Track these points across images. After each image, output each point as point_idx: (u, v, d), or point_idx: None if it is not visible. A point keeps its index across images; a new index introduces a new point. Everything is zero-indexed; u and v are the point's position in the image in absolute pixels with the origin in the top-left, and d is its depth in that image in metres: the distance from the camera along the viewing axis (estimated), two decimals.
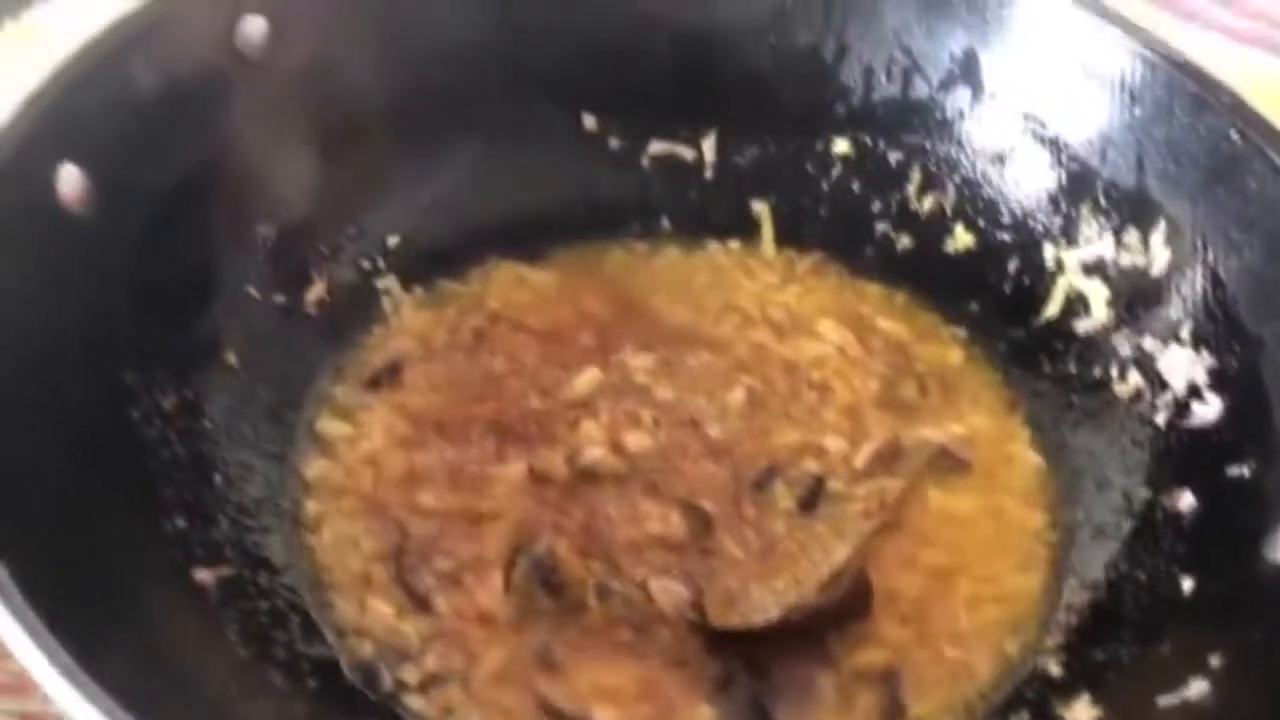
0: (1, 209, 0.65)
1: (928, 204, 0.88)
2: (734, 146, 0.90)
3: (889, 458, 0.78)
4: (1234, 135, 0.74)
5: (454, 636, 0.69)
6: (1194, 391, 0.75)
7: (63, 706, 0.50)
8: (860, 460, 0.77)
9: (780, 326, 0.86)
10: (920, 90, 0.86)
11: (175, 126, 0.74)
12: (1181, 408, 0.75)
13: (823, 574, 0.72)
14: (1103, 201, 0.82)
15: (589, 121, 0.89)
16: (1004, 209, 0.86)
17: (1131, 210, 0.80)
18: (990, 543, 0.76)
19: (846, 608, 0.71)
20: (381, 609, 0.69)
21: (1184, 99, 0.77)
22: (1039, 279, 0.84)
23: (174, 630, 0.62)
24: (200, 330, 0.75)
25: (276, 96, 0.78)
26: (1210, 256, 0.76)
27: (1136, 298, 0.80)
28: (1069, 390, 0.81)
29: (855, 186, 0.89)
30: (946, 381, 0.84)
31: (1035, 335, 0.83)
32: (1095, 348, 0.81)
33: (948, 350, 0.85)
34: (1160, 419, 0.76)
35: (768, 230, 0.90)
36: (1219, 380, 0.74)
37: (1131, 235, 0.80)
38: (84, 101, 0.69)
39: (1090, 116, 0.81)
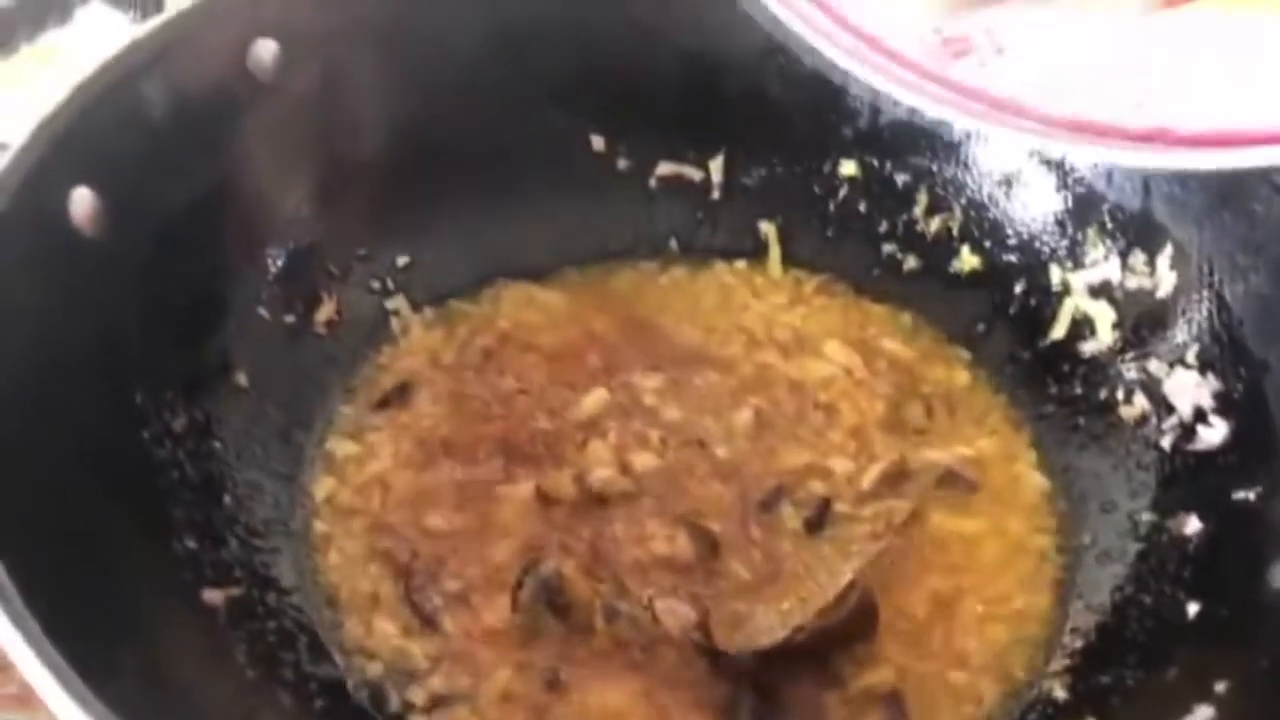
0: (15, 231, 0.65)
1: (934, 225, 0.88)
2: (742, 168, 0.91)
3: (895, 479, 0.78)
4: None
5: (461, 657, 0.69)
6: (1200, 415, 0.75)
7: None
8: (866, 482, 0.78)
9: (787, 347, 0.86)
10: None
11: (187, 149, 0.74)
12: (1187, 431, 0.76)
13: (828, 596, 0.72)
14: (1109, 224, 0.82)
15: (597, 143, 0.90)
16: (1010, 231, 0.86)
17: (1138, 233, 0.81)
18: (996, 565, 0.76)
19: (852, 629, 0.71)
20: (389, 629, 0.70)
21: None
22: (1045, 301, 0.84)
23: (182, 650, 0.62)
24: (210, 351, 0.75)
25: (287, 119, 0.79)
26: (1216, 280, 0.76)
27: (1143, 320, 0.80)
28: (1075, 413, 0.81)
29: (862, 208, 0.90)
30: (952, 403, 0.84)
31: (1041, 357, 0.84)
32: (1101, 370, 0.81)
33: (954, 372, 0.85)
34: (1166, 442, 0.77)
35: (775, 251, 0.91)
36: (1225, 404, 0.75)
37: (1138, 258, 0.81)
38: (97, 124, 0.70)
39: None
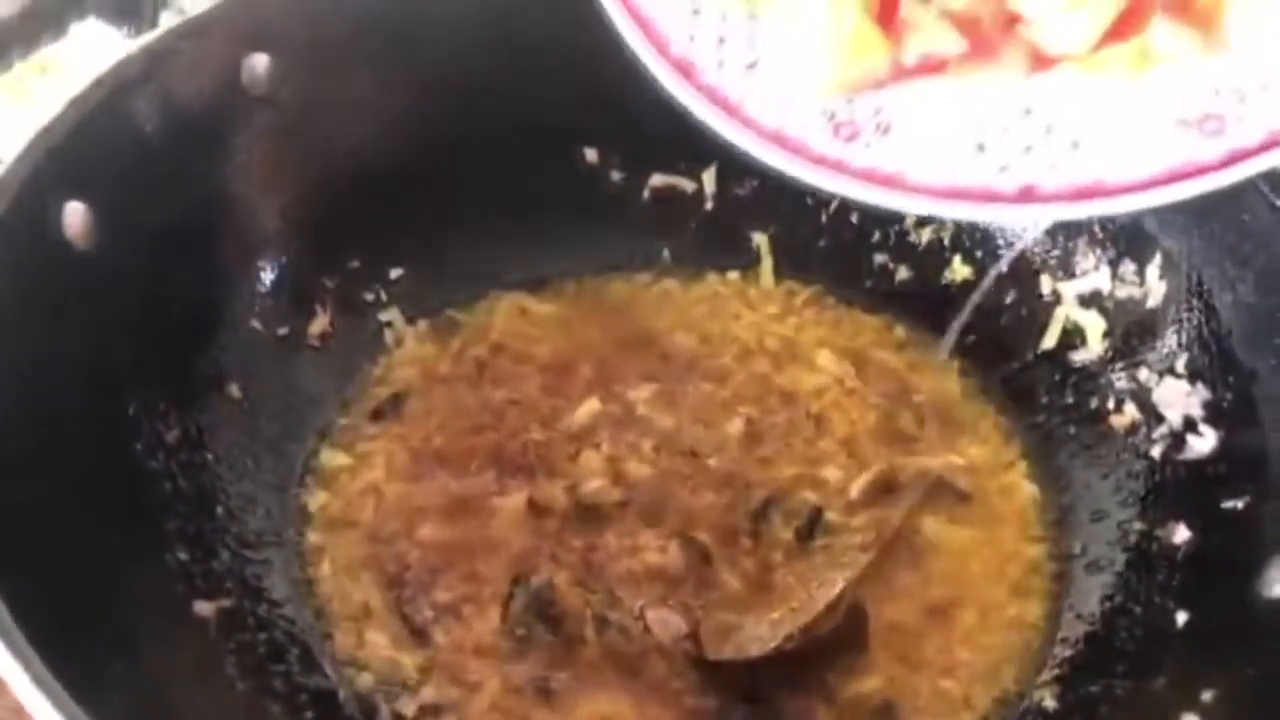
0: (8, 244, 0.66)
1: (926, 236, 0.88)
2: (734, 179, 0.91)
3: (884, 489, 0.78)
4: None
5: (452, 668, 0.69)
6: (1189, 424, 0.76)
7: None
8: (855, 491, 0.78)
9: (779, 357, 0.87)
10: None
11: (180, 162, 0.75)
12: (1177, 440, 0.76)
13: (819, 606, 0.72)
14: (1099, 234, 0.82)
15: (590, 155, 0.90)
16: (1001, 241, 0.86)
17: (1127, 243, 0.81)
18: (987, 574, 0.76)
19: (842, 639, 0.72)
20: (380, 640, 0.70)
21: None
22: (1036, 311, 0.85)
23: (172, 663, 0.62)
24: (203, 363, 0.76)
25: (280, 132, 0.80)
26: (1205, 290, 0.77)
27: (1132, 330, 0.80)
28: (1066, 422, 0.81)
29: (854, 218, 0.90)
30: (944, 412, 0.84)
31: (1033, 367, 0.84)
32: (1092, 380, 0.81)
33: (945, 381, 0.86)
34: (1156, 452, 0.77)
35: (767, 261, 0.91)
36: (1214, 413, 0.75)
37: (1127, 268, 0.81)
38: (91, 139, 0.70)
39: None
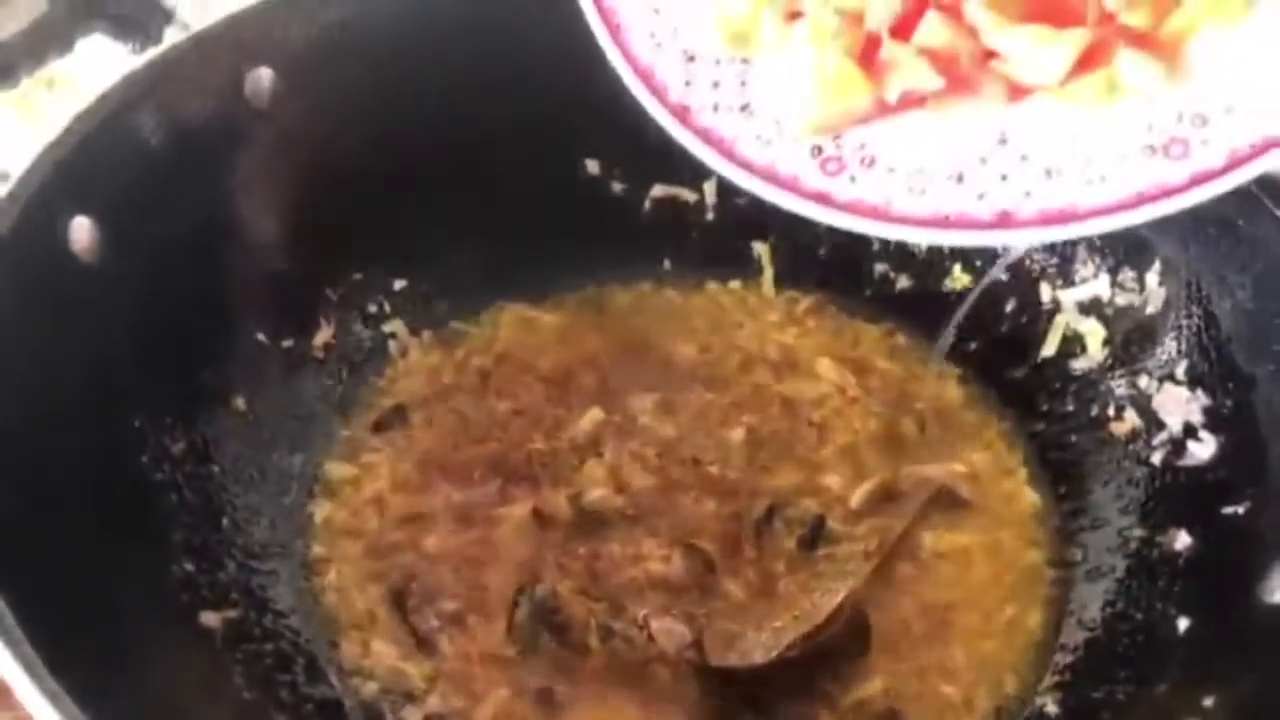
0: (16, 258, 0.66)
1: (926, 244, 0.89)
2: (734, 189, 0.91)
3: (886, 497, 0.79)
4: None
5: (457, 677, 0.70)
6: (1189, 431, 0.76)
7: None
8: (855, 500, 0.78)
9: (780, 366, 0.87)
10: None
11: (185, 176, 0.75)
12: (1177, 447, 0.76)
13: (822, 613, 0.72)
14: (1098, 241, 0.83)
15: (592, 166, 0.91)
16: (1001, 250, 0.86)
17: (1126, 250, 0.81)
18: (989, 581, 0.76)
19: (845, 646, 0.72)
20: (385, 650, 0.70)
21: None
22: (1036, 318, 0.85)
23: (179, 673, 0.63)
24: (209, 376, 0.76)
25: (284, 146, 0.80)
26: (1204, 296, 0.77)
27: (1132, 337, 0.81)
28: (1067, 429, 0.82)
29: None
30: (945, 419, 0.85)
31: (1033, 374, 0.84)
32: (1092, 387, 0.82)
33: (946, 389, 0.86)
34: (1156, 458, 0.77)
35: (768, 271, 0.91)
36: (1214, 419, 0.75)
37: (1127, 275, 0.81)
38: (96, 154, 0.71)
39: None
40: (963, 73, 0.63)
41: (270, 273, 0.81)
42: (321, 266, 0.84)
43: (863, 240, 0.89)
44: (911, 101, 0.64)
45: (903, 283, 0.90)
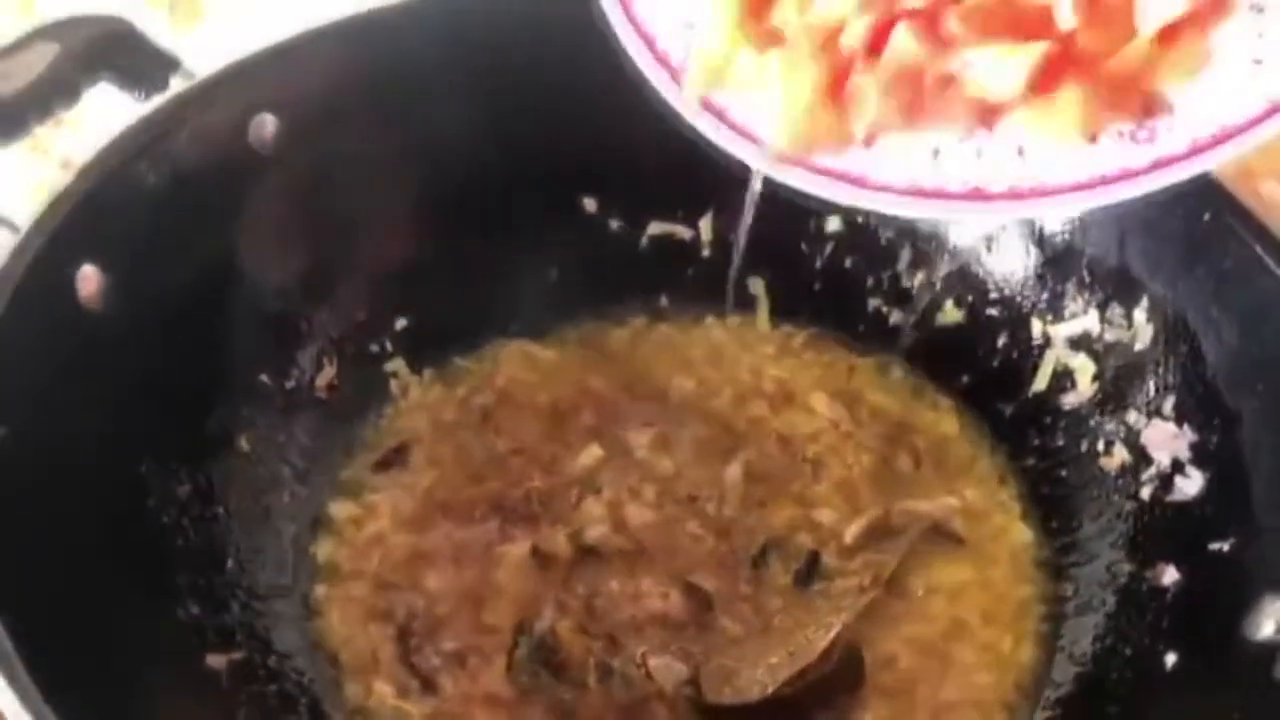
0: (25, 307, 0.68)
1: (918, 281, 0.90)
2: (730, 226, 0.92)
3: (880, 533, 0.80)
4: (1206, 217, 0.75)
5: (457, 717, 0.71)
6: (1177, 466, 0.77)
7: None
8: (850, 536, 0.79)
9: (775, 400, 0.88)
10: None
11: (191, 223, 0.77)
12: (1165, 482, 0.77)
13: (817, 649, 0.73)
14: (1087, 278, 0.84)
15: (589, 204, 0.92)
16: (992, 285, 0.88)
17: (1115, 287, 0.82)
18: (980, 616, 0.77)
19: (839, 681, 0.73)
20: (387, 690, 0.72)
21: None
22: (1027, 354, 0.86)
23: (183, 716, 0.64)
24: (213, 419, 0.78)
25: (288, 191, 0.81)
26: (1191, 333, 0.78)
27: (1121, 373, 0.82)
28: (1057, 464, 0.83)
29: (848, 264, 0.92)
30: (938, 453, 0.86)
31: (1024, 409, 0.86)
32: (1082, 422, 0.83)
33: (940, 422, 0.87)
34: (1145, 493, 0.78)
35: (763, 306, 0.93)
36: (1201, 455, 0.76)
37: (1115, 311, 0.82)
38: (103, 203, 0.72)
39: None
40: (927, 97, 0.64)
41: (274, 315, 0.82)
42: (324, 308, 0.85)
43: (856, 276, 0.92)
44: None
45: (895, 318, 0.91)
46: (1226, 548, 0.72)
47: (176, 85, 0.80)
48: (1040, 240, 0.85)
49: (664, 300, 0.93)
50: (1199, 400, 0.77)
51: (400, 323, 0.88)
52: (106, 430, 0.70)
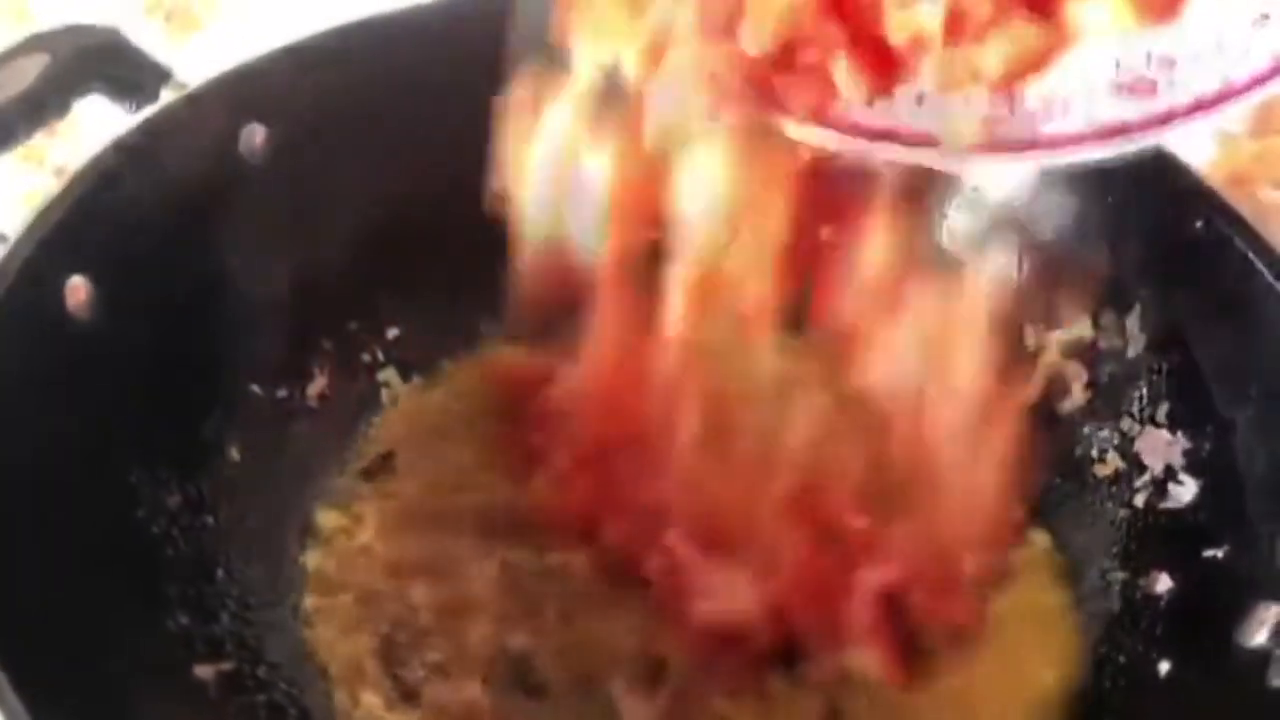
0: (12, 319, 0.68)
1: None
2: None
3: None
4: (1199, 224, 0.75)
5: None
6: (1170, 473, 0.77)
7: None
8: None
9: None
10: None
11: (179, 233, 0.77)
12: (1159, 489, 0.77)
13: None
14: (1080, 284, 0.83)
15: None
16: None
17: (1108, 293, 0.82)
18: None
19: None
20: (374, 701, 0.71)
21: (1155, 189, 0.79)
22: (1020, 361, 0.86)
23: None
24: (204, 429, 0.78)
25: (278, 200, 0.81)
26: (1184, 340, 0.78)
27: (1115, 379, 0.81)
28: (1050, 472, 0.82)
29: None
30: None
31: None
32: (1075, 429, 0.82)
33: None
34: (1139, 501, 0.78)
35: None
36: (1194, 463, 0.76)
37: (1109, 318, 0.82)
38: (91, 213, 0.72)
39: (1065, 203, 0.83)
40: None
41: (265, 325, 0.82)
42: (316, 318, 0.85)
43: None
44: None
45: None
46: (1220, 555, 0.71)
47: (169, 97, 0.80)
48: (1032, 247, 0.85)
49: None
50: (1192, 407, 0.77)
51: (392, 332, 0.88)
52: (95, 440, 0.70)
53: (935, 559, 0.77)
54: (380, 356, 0.88)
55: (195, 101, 0.79)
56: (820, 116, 0.64)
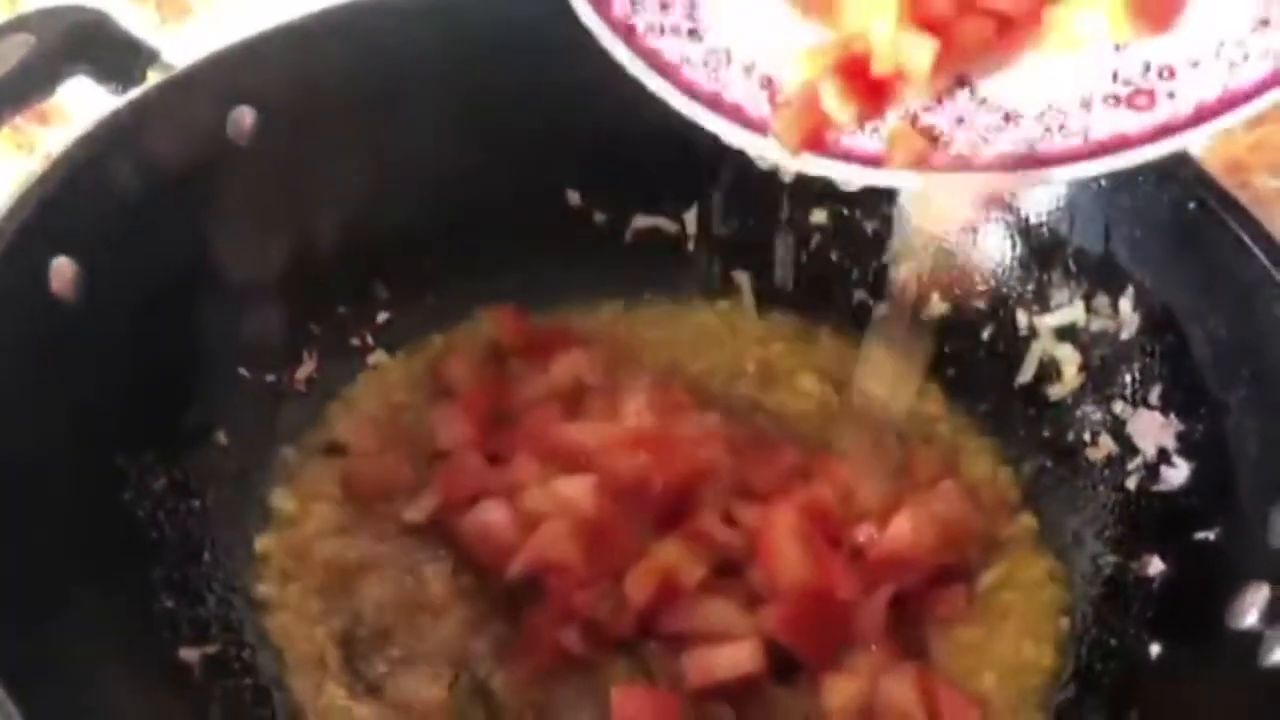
0: None
1: (903, 272, 0.89)
2: (715, 219, 0.92)
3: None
4: (1192, 206, 0.75)
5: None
6: (1163, 455, 0.76)
7: None
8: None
9: (763, 380, 0.87)
10: None
11: (167, 214, 0.76)
12: (1151, 472, 0.77)
13: None
14: (1072, 268, 0.83)
15: (573, 198, 0.91)
16: (978, 277, 0.87)
17: (1101, 276, 0.82)
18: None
19: None
20: (337, 692, 0.70)
21: (1147, 171, 0.78)
22: (1013, 345, 0.85)
23: (155, 709, 0.63)
24: (191, 412, 0.77)
25: (267, 183, 0.81)
26: (1177, 322, 0.77)
27: (1107, 362, 0.81)
28: (1043, 456, 0.82)
29: (834, 256, 0.91)
30: (929, 439, 0.85)
31: (1010, 401, 0.85)
32: (1067, 413, 0.82)
33: (926, 406, 0.86)
34: (1131, 483, 0.78)
35: (749, 298, 0.92)
36: (1187, 445, 0.75)
37: (1101, 300, 0.82)
38: (76, 194, 0.72)
39: (1058, 187, 0.83)
40: None
41: (253, 309, 0.82)
42: (304, 301, 0.84)
43: (841, 268, 0.91)
44: None
45: (881, 310, 0.90)
46: (1212, 536, 0.71)
47: (155, 79, 0.79)
48: (1025, 231, 0.85)
49: (647, 295, 0.92)
50: (1185, 389, 0.76)
51: (382, 316, 0.88)
52: (80, 423, 0.69)
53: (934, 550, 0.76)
54: (370, 340, 0.87)
55: (182, 83, 0.79)
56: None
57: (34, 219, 0.69)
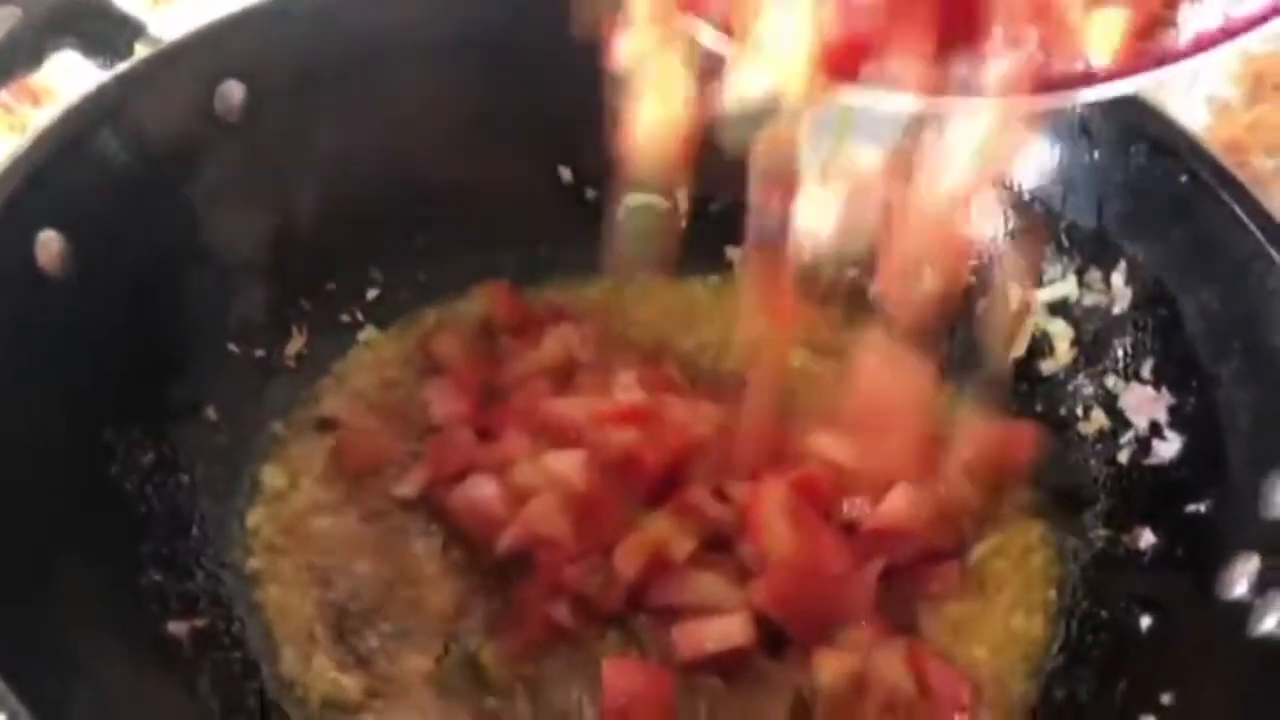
0: None
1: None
2: (707, 196, 0.91)
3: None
4: (1185, 179, 0.74)
5: (394, 695, 0.70)
6: (1155, 429, 0.76)
7: None
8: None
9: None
10: None
11: (154, 190, 0.76)
12: (1143, 445, 0.77)
13: None
14: (1065, 242, 0.83)
15: (565, 174, 0.91)
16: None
17: (1093, 250, 0.81)
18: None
19: None
20: (326, 664, 0.70)
21: (1141, 143, 0.78)
22: (1006, 319, 0.85)
23: (144, 682, 0.63)
24: (180, 387, 0.77)
25: (255, 158, 0.81)
26: (1169, 296, 0.77)
27: (1099, 336, 0.81)
28: (1036, 429, 0.82)
29: None
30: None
31: (1003, 375, 0.84)
32: (1060, 387, 0.82)
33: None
34: (1123, 457, 0.78)
35: (741, 276, 0.92)
36: (1179, 418, 0.75)
37: (1094, 275, 0.81)
38: (63, 168, 0.71)
39: (1051, 160, 0.82)
40: None
41: (242, 284, 0.82)
42: (294, 276, 0.84)
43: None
44: None
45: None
46: (1203, 509, 0.71)
47: (142, 52, 0.79)
48: (1018, 205, 0.84)
49: (639, 272, 0.92)
50: (1177, 363, 0.76)
51: (372, 292, 0.87)
52: (68, 398, 0.69)
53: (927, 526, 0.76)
54: (360, 316, 0.87)
55: (170, 57, 0.78)
56: None
57: (20, 192, 0.69)
